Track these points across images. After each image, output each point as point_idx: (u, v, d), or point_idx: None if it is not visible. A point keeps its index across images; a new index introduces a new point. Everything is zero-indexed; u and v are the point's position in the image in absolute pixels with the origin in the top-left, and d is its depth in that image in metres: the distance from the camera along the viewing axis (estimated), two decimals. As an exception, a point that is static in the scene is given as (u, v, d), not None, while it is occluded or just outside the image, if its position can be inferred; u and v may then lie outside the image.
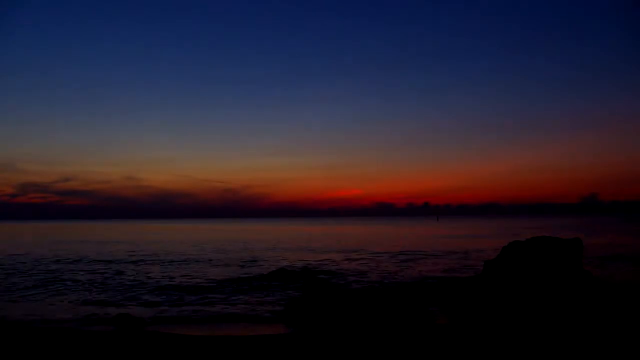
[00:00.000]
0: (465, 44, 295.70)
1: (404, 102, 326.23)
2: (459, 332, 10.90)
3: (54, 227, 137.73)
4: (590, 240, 43.64)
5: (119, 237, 67.91)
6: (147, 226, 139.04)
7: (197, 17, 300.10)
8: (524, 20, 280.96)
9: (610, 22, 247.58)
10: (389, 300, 14.54)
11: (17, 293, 18.33)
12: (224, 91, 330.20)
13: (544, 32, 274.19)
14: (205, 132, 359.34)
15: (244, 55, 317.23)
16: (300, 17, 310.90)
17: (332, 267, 26.05)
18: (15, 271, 25.25)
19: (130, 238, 64.12)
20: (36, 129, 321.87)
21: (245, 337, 10.79)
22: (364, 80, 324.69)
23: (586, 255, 15.37)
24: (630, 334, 9.98)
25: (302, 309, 13.51)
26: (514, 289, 13.46)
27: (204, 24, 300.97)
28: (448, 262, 27.82)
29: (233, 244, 48.96)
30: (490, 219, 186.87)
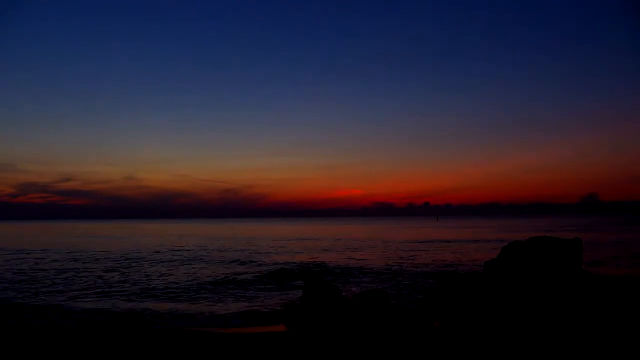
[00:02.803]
0: (465, 45, 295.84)
1: (404, 102, 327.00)
2: (456, 334, 10.89)
3: (57, 227, 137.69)
4: (590, 240, 43.61)
5: (106, 235, 67.94)
6: (146, 226, 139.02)
7: (196, 17, 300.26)
8: (524, 20, 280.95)
9: (611, 22, 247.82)
10: (387, 302, 14.54)
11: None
12: (224, 91, 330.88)
13: (544, 32, 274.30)
14: (205, 132, 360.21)
15: (244, 55, 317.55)
16: (301, 17, 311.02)
17: (332, 267, 26.03)
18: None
19: (130, 238, 64.09)
20: (36, 129, 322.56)
21: (244, 334, 10.79)
22: (364, 80, 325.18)
23: (586, 255, 15.36)
24: (630, 334, 9.98)
25: (302, 310, 13.50)
26: (514, 289, 13.46)
27: (204, 25, 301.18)
28: (447, 263, 27.80)
29: (233, 244, 48.95)
30: (491, 219, 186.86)
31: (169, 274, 23.98)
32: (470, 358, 8.56)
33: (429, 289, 17.16)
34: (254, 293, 17.82)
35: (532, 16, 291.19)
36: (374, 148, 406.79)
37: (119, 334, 10.86)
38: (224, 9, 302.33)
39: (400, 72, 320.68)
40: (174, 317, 13.86)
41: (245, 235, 71.08)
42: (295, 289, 18.14)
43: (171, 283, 20.59)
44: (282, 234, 73.02)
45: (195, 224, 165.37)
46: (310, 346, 9.68)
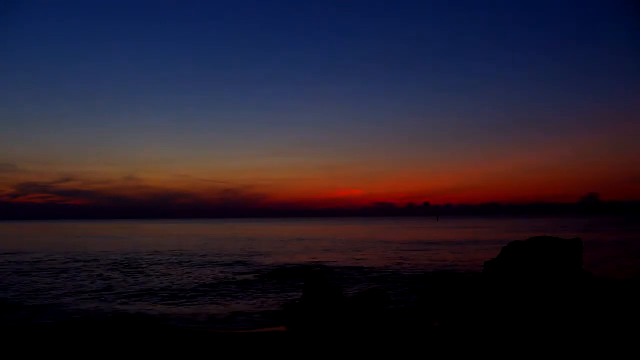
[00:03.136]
0: (465, 45, 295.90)
1: (404, 102, 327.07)
2: (456, 334, 10.88)
3: (57, 227, 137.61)
4: (590, 240, 43.59)
5: (106, 235, 67.91)
6: (146, 226, 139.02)
7: (196, 17, 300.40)
8: (524, 20, 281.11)
9: (611, 22, 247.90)
10: (387, 302, 14.53)
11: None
12: (224, 91, 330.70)
13: (544, 32, 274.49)
14: (205, 132, 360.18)
15: (244, 55, 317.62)
16: (301, 17, 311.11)
17: (332, 267, 26.02)
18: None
19: (130, 238, 64.05)
20: (36, 129, 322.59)
21: (244, 334, 10.78)
22: (364, 80, 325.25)
23: (586, 255, 15.36)
24: (630, 335, 9.97)
25: (302, 310, 13.49)
26: (514, 289, 13.45)
27: (204, 25, 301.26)
28: (447, 263, 27.80)
29: (233, 244, 48.95)
30: (491, 219, 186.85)
31: (169, 274, 23.97)
32: (470, 358, 8.55)
33: (429, 289, 17.12)
34: (254, 293, 17.81)
35: (532, 16, 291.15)
36: (374, 148, 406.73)
37: (118, 334, 10.85)
38: (224, 9, 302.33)
39: (400, 72, 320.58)
40: (173, 317, 13.85)
41: (245, 235, 71.08)
42: (295, 289, 18.14)
43: (171, 283, 20.58)
44: (282, 234, 73.01)
45: (195, 224, 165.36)
46: (310, 346, 9.67)
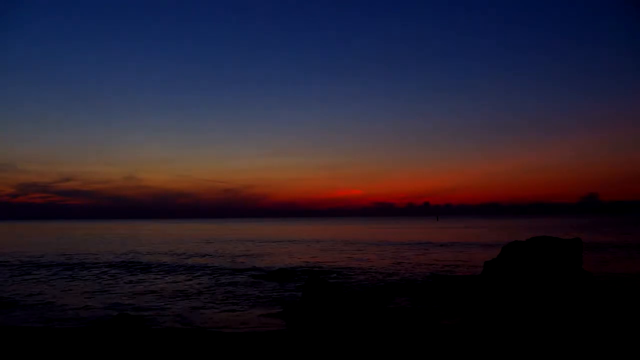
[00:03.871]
0: (465, 45, 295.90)
1: (404, 102, 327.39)
2: (456, 333, 10.88)
3: (57, 227, 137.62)
4: (590, 240, 43.59)
5: (106, 234, 67.86)
6: (146, 226, 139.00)
7: (196, 17, 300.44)
8: (524, 20, 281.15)
9: (610, 22, 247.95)
10: (391, 300, 14.52)
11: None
12: (224, 91, 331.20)
13: (544, 32, 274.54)
14: (205, 132, 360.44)
15: (245, 55, 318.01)
16: (301, 17, 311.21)
17: (332, 267, 26.02)
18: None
19: (130, 238, 64.01)
20: (36, 129, 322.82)
21: (245, 334, 10.78)
22: (364, 80, 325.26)
23: (586, 255, 15.35)
24: (630, 334, 9.97)
25: (302, 310, 13.49)
26: (514, 289, 13.45)
27: (205, 25, 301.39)
28: (447, 263, 27.80)
29: (232, 244, 48.95)
30: (491, 219, 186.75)
31: (168, 274, 23.97)
32: (471, 357, 8.56)
33: (429, 289, 17.14)
34: (254, 293, 17.80)
35: (532, 16, 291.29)
36: (374, 148, 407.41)
37: (117, 335, 10.85)
38: (224, 9, 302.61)
39: (400, 72, 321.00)
40: (173, 318, 13.85)
41: (245, 235, 71.04)
42: (295, 289, 18.14)
43: (170, 284, 20.58)
44: (282, 234, 72.97)
45: (195, 224, 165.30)
46: (310, 346, 9.67)
